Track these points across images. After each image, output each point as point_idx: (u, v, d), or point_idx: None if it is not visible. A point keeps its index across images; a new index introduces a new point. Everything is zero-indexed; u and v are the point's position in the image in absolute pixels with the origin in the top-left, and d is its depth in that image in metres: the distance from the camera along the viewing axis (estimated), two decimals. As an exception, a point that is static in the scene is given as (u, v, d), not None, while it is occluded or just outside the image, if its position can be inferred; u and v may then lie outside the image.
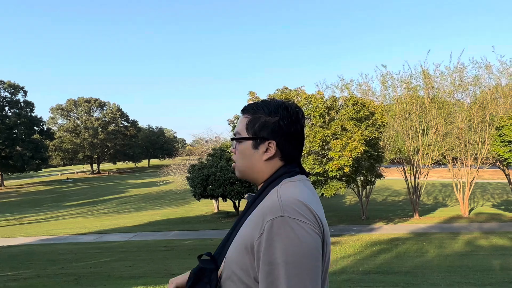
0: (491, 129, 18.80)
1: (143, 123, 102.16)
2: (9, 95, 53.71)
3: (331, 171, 11.26)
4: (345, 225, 19.39)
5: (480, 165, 20.29)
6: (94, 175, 73.60)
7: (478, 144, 19.46)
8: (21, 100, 54.32)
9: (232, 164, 1.15)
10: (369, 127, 12.10)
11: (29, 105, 54.72)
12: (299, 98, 12.53)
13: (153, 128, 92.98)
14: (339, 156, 11.06)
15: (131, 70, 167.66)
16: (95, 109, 76.41)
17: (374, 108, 12.46)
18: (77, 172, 77.71)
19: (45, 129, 57.47)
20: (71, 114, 75.26)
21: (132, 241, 16.75)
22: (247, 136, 1.07)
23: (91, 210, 36.07)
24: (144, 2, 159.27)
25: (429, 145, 19.13)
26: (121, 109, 77.73)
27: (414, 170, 20.38)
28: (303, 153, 11.76)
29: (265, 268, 0.88)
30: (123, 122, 79.60)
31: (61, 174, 73.39)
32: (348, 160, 11.07)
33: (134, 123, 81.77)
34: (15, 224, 27.71)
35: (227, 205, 29.20)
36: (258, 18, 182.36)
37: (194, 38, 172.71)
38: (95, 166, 77.18)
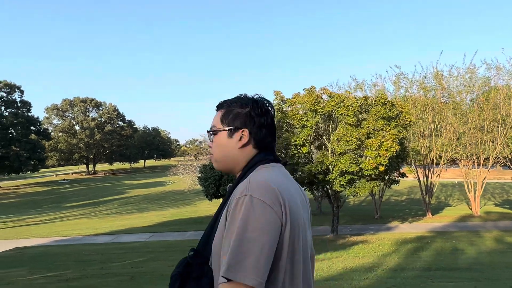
0: (503, 129, 19.13)
1: (138, 124, 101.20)
2: (5, 95, 52.79)
3: (367, 169, 11.37)
4: (361, 224, 19.52)
5: (492, 164, 20.60)
6: (90, 175, 72.73)
7: (489, 144, 19.77)
8: (18, 99, 53.44)
9: (210, 157, 1.22)
10: (397, 126, 12.23)
11: (26, 104, 53.86)
12: (327, 97, 12.58)
13: (148, 129, 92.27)
14: (376, 156, 11.18)
15: (126, 69, 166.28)
16: (91, 109, 75.55)
17: (401, 108, 12.59)
18: (72, 173, 76.71)
19: (42, 129, 56.59)
20: (67, 114, 74.29)
21: (151, 242, 16.61)
22: (222, 127, 1.17)
23: (93, 211, 35.62)
24: (141, 0, 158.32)
25: (443, 145, 19.38)
26: (117, 109, 77.03)
27: (427, 170, 20.61)
28: (338, 153, 11.83)
29: (226, 238, 0.97)
30: (119, 122, 78.88)
31: (56, 175, 72.36)
32: (384, 159, 11.19)
33: (130, 124, 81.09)
34: (20, 226, 27.23)
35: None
36: (253, 18, 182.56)
37: (189, 36, 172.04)
38: (90, 166, 76.29)
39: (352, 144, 11.40)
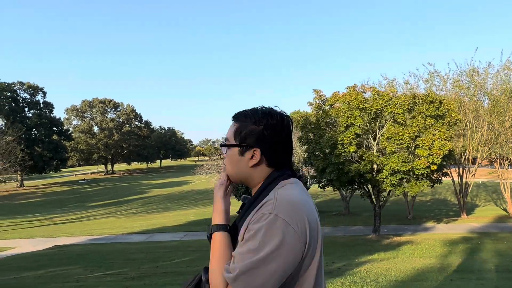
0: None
1: (154, 124, 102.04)
2: (28, 96, 53.88)
3: (418, 168, 11.20)
4: (396, 224, 19.25)
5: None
6: (109, 175, 73.72)
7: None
8: (41, 101, 54.47)
9: (223, 167, 1.17)
10: (444, 125, 12.00)
11: (49, 106, 54.89)
12: (369, 96, 12.40)
13: (164, 129, 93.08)
14: (428, 154, 10.99)
15: (141, 69, 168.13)
16: (109, 110, 76.56)
17: (447, 106, 12.36)
18: (91, 173, 77.87)
19: (63, 130, 57.58)
20: (86, 115, 75.43)
21: (188, 240, 16.68)
22: (235, 143, 1.14)
23: (118, 210, 36.08)
24: (160, 2, 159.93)
25: (479, 143, 18.97)
26: (135, 110, 77.89)
27: (462, 170, 20.21)
28: (390, 152, 11.66)
29: (243, 247, 0.96)
30: (136, 122, 79.76)
31: (76, 175, 73.55)
32: (437, 158, 10.99)
33: (147, 124, 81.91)
34: (49, 224, 27.72)
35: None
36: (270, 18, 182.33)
37: (202, 38, 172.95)
38: (108, 166, 77.33)
39: (405, 143, 11.24)
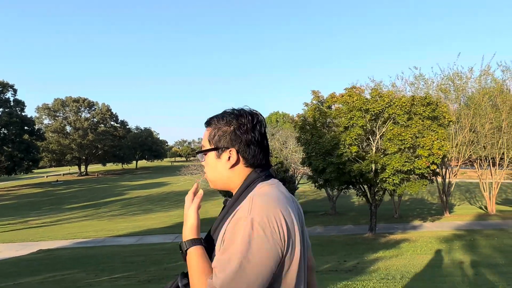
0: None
1: (130, 124, 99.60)
2: (-3, 94, 51.27)
3: (419, 168, 11.55)
4: (385, 223, 19.74)
5: (507, 165, 21.14)
6: (83, 177, 71.24)
7: (507, 145, 20.28)
8: (11, 98, 51.94)
9: (204, 175, 1.22)
10: (440, 126, 12.46)
11: (20, 104, 52.40)
12: (369, 97, 12.65)
13: (141, 129, 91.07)
14: (429, 154, 11.36)
15: (116, 68, 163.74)
16: (83, 109, 74.06)
17: (442, 108, 12.83)
18: (63, 174, 74.97)
19: (35, 129, 55.16)
20: (58, 114, 72.60)
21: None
22: (209, 148, 1.15)
23: (97, 212, 34.94)
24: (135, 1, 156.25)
25: (461, 145, 19.80)
26: (110, 110, 75.77)
27: (445, 170, 21.02)
28: (392, 152, 11.95)
29: (223, 255, 0.96)
30: (112, 122, 77.60)
31: (47, 176, 70.58)
32: (437, 158, 11.39)
33: (123, 124, 79.88)
34: (26, 228, 26.48)
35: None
36: (247, 17, 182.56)
37: (181, 38, 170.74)
38: (82, 167, 74.73)
39: (407, 143, 11.56)
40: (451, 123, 13.37)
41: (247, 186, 1.11)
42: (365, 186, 14.07)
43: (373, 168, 12.06)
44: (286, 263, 1.01)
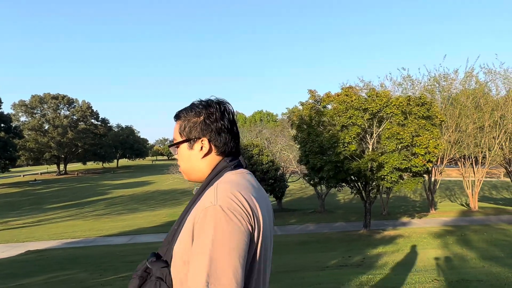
0: (501, 131, 20.54)
1: (112, 122, 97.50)
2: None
3: (415, 166, 11.93)
4: (374, 220, 20.17)
5: (489, 164, 22.02)
6: (62, 176, 69.28)
7: (489, 145, 21.14)
8: (-13, 94, 49.88)
9: (179, 168, 1.25)
10: (433, 126, 12.90)
11: (-4, 100, 50.43)
12: (372, 97, 12.87)
13: (122, 127, 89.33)
14: (425, 153, 11.75)
15: (97, 64, 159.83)
16: (62, 106, 71.98)
17: (435, 108, 13.28)
18: (41, 173, 72.66)
19: (12, 126, 53.25)
20: (36, 111, 70.28)
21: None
22: (181, 139, 1.18)
23: (80, 212, 34.13)
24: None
25: (447, 144, 20.48)
26: (91, 107, 73.96)
27: (432, 168, 21.69)
28: (390, 150, 12.29)
29: (196, 247, 0.97)
30: (92, 120, 75.77)
31: (23, 176, 68.22)
32: (433, 156, 11.79)
33: (104, 122, 78.14)
34: (7, 229, 25.59)
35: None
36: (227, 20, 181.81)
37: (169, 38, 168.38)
38: (61, 166, 72.68)
39: (405, 142, 11.92)
40: (442, 122, 13.86)
41: (215, 175, 1.13)
42: (360, 184, 14.40)
43: (370, 166, 12.36)
44: (255, 239, 1.03)
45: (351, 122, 12.38)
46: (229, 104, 1.21)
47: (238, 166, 1.17)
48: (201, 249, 0.95)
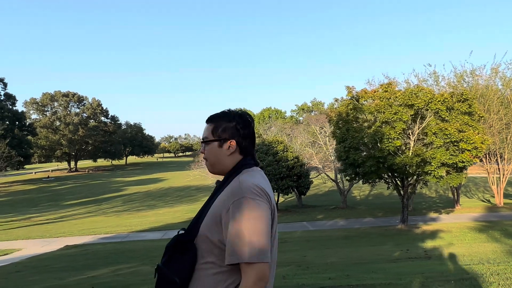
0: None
1: (121, 119, 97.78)
2: (-14, 87, 49.54)
3: (462, 161, 12.06)
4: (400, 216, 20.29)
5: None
6: (73, 173, 69.74)
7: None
8: (2, 92, 50.29)
9: (205, 161, 1.52)
10: (475, 121, 13.01)
11: (11, 98, 50.80)
12: (419, 94, 12.90)
13: (131, 125, 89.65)
14: (473, 148, 11.88)
15: (102, 62, 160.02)
16: (73, 104, 72.33)
17: (475, 104, 13.37)
18: (52, 170, 73.18)
19: (27, 124, 53.62)
20: (46, 108, 70.67)
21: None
22: (214, 138, 1.45)
23: (100, 208, 34.44)
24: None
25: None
26: (101, 105, 74.27)
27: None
28: (436, 146, 12.41)
29: (234, 232, 1.22)
30: (102, 118, 76.11)
31: (35, 173, 68.74)
32: (481, 151, 11.92)
33: (114, 119, 78.46)
34: (32, 225, 25.91)
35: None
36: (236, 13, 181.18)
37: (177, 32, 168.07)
38: (72, 163, 73.13)
39: (453, 138, 12.04)
40: (482, 118, 13.97)
41: (235, 171, 1.39)
42: (397, 180, 14.53)
43: (416, 161, 12.44)
44: (272, 220, 1.30)
45: (397, 118, 12.50)
46: (251, 116, 1.50)
47: (253, 164, 1.44)
48: (239, 231, 1.20)
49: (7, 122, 45.81)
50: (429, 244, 10.53)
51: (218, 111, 1.50)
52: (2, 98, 50.35)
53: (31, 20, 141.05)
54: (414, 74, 38.94)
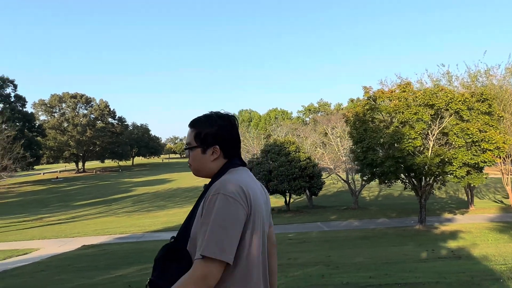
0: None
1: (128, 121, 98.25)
2: (-3, 89, 50.01)
3: (484, 161, 12.00)
4: (417, 216, 20.22)
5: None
6: (81, 174, 70.15)
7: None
8: (12, 94, 50.75)
9: (189, 166, 1.49)
10: (495, 121, 12.95)
11: (21, 99, 51.25)
12: (439, 94, 12.85)
13: (137, 126, 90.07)
14: (495, 148, 11.82)
15: (108, 63, 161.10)
16: (81, 105, 72.81)
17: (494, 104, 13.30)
18: (60, 171, 73.66)
19: (36, 125, 54.07)
20: (55, 110, 71.21)
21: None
22: (196, 145, 1.42)
23: (110, 209, 34.60)
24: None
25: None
26: (108, 106, 74.71)
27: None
28: (457, 146, 12.37)
29: (203, 226, 1.22)
30: (109, 119, 76.55)
31: (43, 174, 69.22)
32: (503, 151, 11.86)
33: (121, 120, 78.87)
34: (45, 225, 26.08)
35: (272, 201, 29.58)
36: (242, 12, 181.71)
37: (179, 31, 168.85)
38: (79, 164, 73.57)
39: (475, 138, 11.98)
40: (500, 118, 13.89)
41: (220, 174, 1.37)
42: (415, 180, 14.48)
43: (436, 162, 12.40)
44: (251, 222, 1.26)
45: (417, 118, 12.47)
46: (235, 117, 1.47)
47: (238, 164, 1.42)
48: (206, 224, 1.19)
49: (18, 124, 46.15)
50: (452, 244, 10.48)
51: (200, 114, 1.47)
52: (12, 100, 50.79)
53: (31, 21, 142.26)
54: (428, 74, 38.75)
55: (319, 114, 69.44)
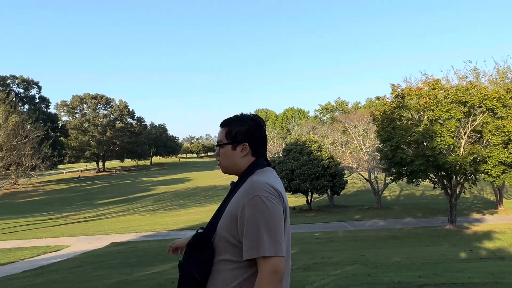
0: None
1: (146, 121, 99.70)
2: (22, 91, 51.49)
3: (523, 160, 11.68)
4: (444, 216, 19.80)
5: None
6: (101, 173, 71.59)
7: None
8: (36, 95, 52.21)
9: (218, 163, 1.55)
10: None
11: (45, 101, 52.69)
12: (472, 92, 12.53)
13: (155, 125, 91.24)
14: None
15: (126, 64, 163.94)
16: (101, 106, 74.31)
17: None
18: (81, 171, 75.36)
19: (59, 125, 55.47)
20: (76, 110, 72.89)
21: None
22: (227, 142, 1.49)
23: (132, 207, 35.21)
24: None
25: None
26: (127, 106, 75.98)
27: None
28: (495, 143, 12.07)
29: (250, 229, 1.28)
30: (129, 119, 77.85)
31: (66, 173, 70.97)
32: (543, 149, 11.53)
33: (140, 120, 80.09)
34: (72, 223, 26.74)
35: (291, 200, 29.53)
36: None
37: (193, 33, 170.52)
38: (100, 164, 75.11)
39: (512, 135, 11.68)
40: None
41: (249, 172, 1.44)
42: (444, 179, 14.18)
43: (469, 160, 12.12)
44: (283, 217, 1.35)
45: (449, 115, 12.20)
46: (262, 119, 1.56)
47: (265, 165, 1.49)
48: (254, 228, 1.27)
49: (43, 124, 47.40)
50: (488, 245, 10.24)
51: (231, 115, 1.56)
52: (37, 101, 52.22)
53: (58, 25, 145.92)
54: (454, 71, 37.83)
55: (336, 113, 68.84)
